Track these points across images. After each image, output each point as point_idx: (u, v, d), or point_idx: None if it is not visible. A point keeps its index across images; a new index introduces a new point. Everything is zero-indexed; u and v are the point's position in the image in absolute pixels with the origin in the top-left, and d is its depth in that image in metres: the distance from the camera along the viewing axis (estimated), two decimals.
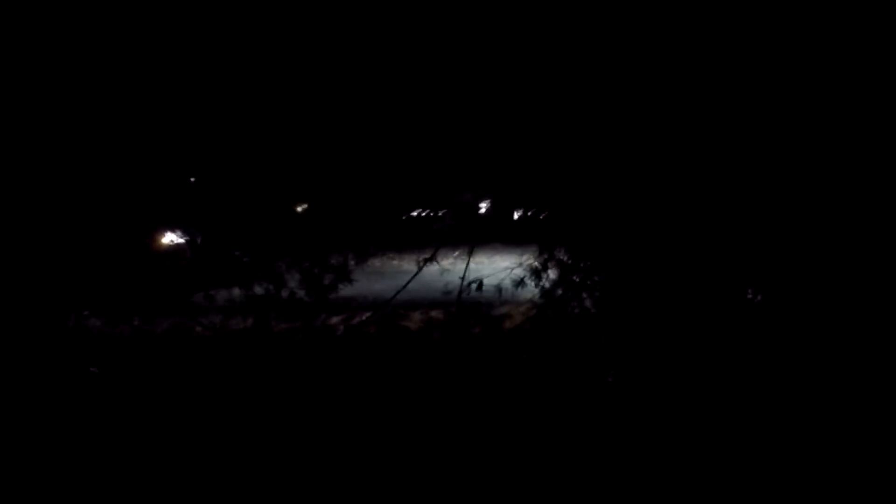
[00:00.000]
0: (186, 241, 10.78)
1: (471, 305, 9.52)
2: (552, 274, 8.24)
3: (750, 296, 6.95)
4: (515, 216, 9.68)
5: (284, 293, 7.13)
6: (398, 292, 7.26)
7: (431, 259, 7.39)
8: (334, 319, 8.40)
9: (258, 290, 7.29)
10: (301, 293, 7.13)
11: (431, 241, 8.40)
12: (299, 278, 7.17)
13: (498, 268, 8.46)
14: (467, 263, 7.56)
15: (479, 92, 6.68)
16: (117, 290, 7.69)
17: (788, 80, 5.47)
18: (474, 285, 7.98)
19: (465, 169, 8.16)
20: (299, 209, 9.80)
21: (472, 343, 8.29)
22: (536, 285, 8.10)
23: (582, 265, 8.16)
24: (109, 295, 7.66)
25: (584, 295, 8.11)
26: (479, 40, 6.07)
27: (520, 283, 8.27)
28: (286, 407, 6.26)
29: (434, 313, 9.05)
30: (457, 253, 8.67)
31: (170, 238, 11.03)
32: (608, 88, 6.21)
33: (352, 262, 7.30)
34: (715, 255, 6.65)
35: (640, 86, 5.96)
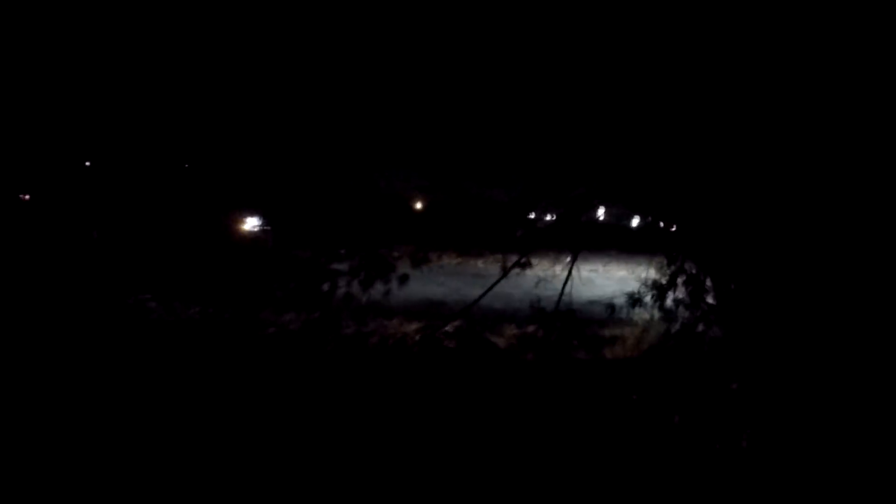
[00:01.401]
0: (268, 228, 10.03)
1: (575, 323, 8.27)
2: (676, 293, 6.98)
3: None
4: (634, 223, 8.36)
5: (354, 289, 6.07)
6: (479, 298, 5.96)
7: (526, 263, 6.12)
8: (411, 326, 7.20)
9: (325, 287, 6.27)
10: (376, 290, 6.09)
11: (535, 243, 7.30)
12: (373, 274, 6.12)
13: (613, 278, 7.16)
14: (569, 272, 6.22)
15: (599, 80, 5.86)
16: (198, 277, 7.12)
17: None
18: (583, 298, 6.72)
19: (576, 164, 7.14)
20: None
21: (573, 371, 6.87)
22: (658, 305, 6.74)
23: (713, 284, 6.68)
24: (193, 282, 7.11)
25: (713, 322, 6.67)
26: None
27: (637, 301, 6.87)
28: (349, 429, 5.11)
29: (530, 329, 7.66)
30: (567, 258, 7.42)
31: (252, 223, 10.34)
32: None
33: (440, 261, 6.15)
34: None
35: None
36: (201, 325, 6.97)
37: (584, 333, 8.30)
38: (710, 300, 7.07)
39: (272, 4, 6.00)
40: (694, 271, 7.33)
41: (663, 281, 7.43)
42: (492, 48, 6.26)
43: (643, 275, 6.80)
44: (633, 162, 6.83)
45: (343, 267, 6.32)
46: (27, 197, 7.26)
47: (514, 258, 7.00)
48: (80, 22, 5.92)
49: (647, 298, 7.14)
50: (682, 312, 7.19)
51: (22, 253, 6.61)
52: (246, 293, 7.27)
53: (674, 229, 7.74)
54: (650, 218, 7.59)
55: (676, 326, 7.47)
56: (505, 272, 6.04)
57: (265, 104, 6.92)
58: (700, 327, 7.11)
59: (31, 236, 6.84)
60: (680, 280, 7.23)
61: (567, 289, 6.46)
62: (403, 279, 5.27)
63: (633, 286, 6.95)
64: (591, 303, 8.64)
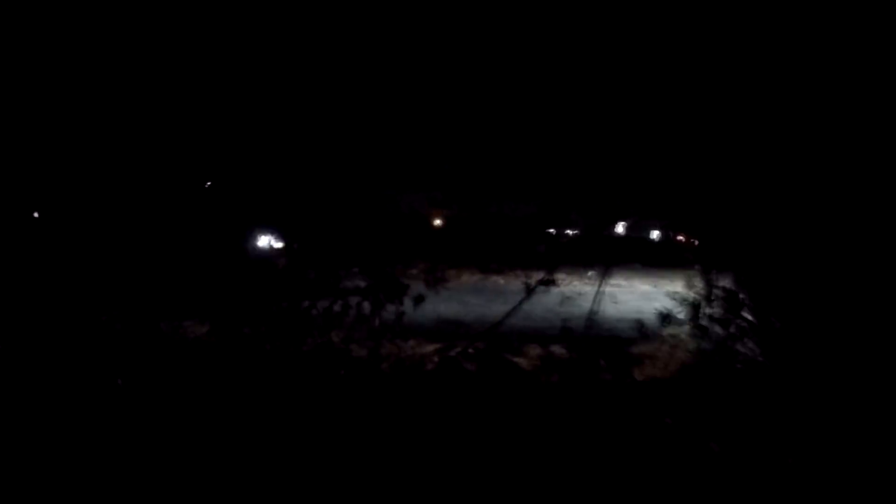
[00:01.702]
0: (283, 246, 9.74)
1: (602, 341, 7.91)
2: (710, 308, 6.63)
3: None
4: (654, 235, 8.09)
5: (367, 309, 5.79)
6: (503, 319, 5.62)
7: (550, 281, 5.81)
8: (428, 348, 6.84)
9: (337, 307, 6.00)
10: (390, 311, 5.81)
11: (558, 258, 6.97)
12: (393, 291, 5.85)
13: (636, 293, 6.81)
14: (597, 290, 5.90)
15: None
16: (212, 293, 6.80)
17: None
18: (608, 314, 6.40)
19: (600, 179, 7.13)
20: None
21: (601, 393, 6.46)
22: (692, 321, 6.39)
23: (750, 299, 6.35)
24: (203, 300, 6.79)
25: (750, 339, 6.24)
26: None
27: (668, 318, 6.49)
28: (360, 460, 4.75)
29: (555, 349, 7.26)
30: (590, 273, 7.10)
31: (266, 241, 10.05)
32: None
33: (459, 278, 5.85)
34: None
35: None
36: (209, 344, 6.65)
37: (611, 352, 7.91)
38: (745, 315, 6.68)
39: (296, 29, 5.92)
40: (728, 286, 6.94)
41: (694, 296, 7.04)
42: (508, 68, 6.12)
43: (667, 289, 6.59)
44: (660, 177, 6.56)
45: (358, 284, 6.04)
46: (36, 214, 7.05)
47: (535, 274, 6.70)
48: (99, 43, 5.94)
49: (680, 314, 6.75)
50: (714, 329, 6.80)
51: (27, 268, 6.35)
52: (257, 312, 6.95)
53: (702, 243, 7.38)
54: (673, 232, 7.26)
55: (710, 344, 7.08)
56: (529, 291, 5.73)
57: (284, 120, 6.78)
58: (736, 345, 6.71)
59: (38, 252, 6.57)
60: (717, 293, 6.86)
61: (595, 307, 6.14)
62: (418, 300, 4.95)
63: (658, 301, 6.64)
64: (619, 320, 8.24)
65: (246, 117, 6.61)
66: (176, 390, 5.79)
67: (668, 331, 7.68)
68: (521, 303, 5.91)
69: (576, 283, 10.00)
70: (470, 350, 6.73)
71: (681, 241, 7.31)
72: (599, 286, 6.50)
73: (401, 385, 5.96)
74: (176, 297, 6.59)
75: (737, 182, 6.16)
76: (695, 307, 6.61)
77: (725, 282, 7.13)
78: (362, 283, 5.54)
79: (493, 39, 5.82)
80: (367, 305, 5.40)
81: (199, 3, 5.64)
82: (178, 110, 6.45)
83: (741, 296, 5.97)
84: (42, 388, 5.40)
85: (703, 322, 6.60)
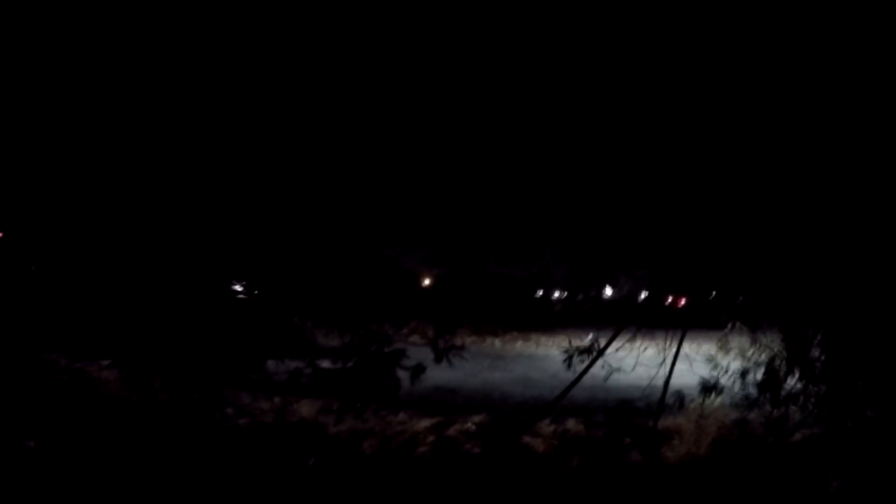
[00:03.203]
0: (255, 296, 8.67)
1: (620, 413, 6.81)
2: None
3: None
4: (642, 297, 7.36)
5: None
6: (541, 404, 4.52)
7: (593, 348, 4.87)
8: (421, 423, 5.64)
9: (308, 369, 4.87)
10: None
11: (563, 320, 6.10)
12: (375, 354, 4.73)
13: (642, 357, 5.83)
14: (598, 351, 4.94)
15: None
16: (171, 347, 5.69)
17: None
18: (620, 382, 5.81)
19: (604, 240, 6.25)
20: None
21: (630, 479, 5.30)
22: (742, 391, 5.41)
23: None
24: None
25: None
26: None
27: (713, 388, 5.44)
28: None
29: (570, 424, 6.09)
30: (589, 337, 6.21)
31: (239, 290, 9.01)
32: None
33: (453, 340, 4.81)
34: None
35: None
36: (162, 406, 5.47)
37: (634, 426, 6.79)
38: (793, 381, 5.64)
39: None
40: (774, 345, 5.95)
41: (737, 359, 6.04)
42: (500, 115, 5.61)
43: (676, 350, 5.76)
44: (669, 234, 5.78)
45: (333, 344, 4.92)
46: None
47: (536, 336, 5.66)
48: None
49: (726, 382, 5.68)
50: (763, 397, 5.77)
51: None
52: (217, 370, 5.76)
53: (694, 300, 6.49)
54: (661, 291, 6.43)
55: (755, 414, 6.05)
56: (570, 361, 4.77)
57: (262, 167, 6.13)
58: (788, 414, 5.69)
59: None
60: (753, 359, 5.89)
61: (603, 372, 5.16)
62: (417, 372, 3.85)
63: (667, 365, 5.73)
64: (630, 387, 7.14)
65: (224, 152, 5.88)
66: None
67: (696, 401, 6.59)
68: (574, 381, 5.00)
69: (572, 345, 9.04)
70: (471, 427, 5.56)
71: (669, 301, 6.50)
72: (600, 350, 5.53)
73: (388, 473, 4.75)
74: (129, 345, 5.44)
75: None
76: (742, 373, 5.54)
77: (770, 340, 6.12)
78: (343, 343, 4.42)
79: (479, 103, 5.37)
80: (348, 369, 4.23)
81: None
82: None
83: (805, 356, 4.92)
84: None
85: (750, 390, 5.53)
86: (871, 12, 4.10)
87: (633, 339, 5.81)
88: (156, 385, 5.24)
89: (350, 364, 4.54)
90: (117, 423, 4.73)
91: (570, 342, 5.01)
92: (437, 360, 3.89)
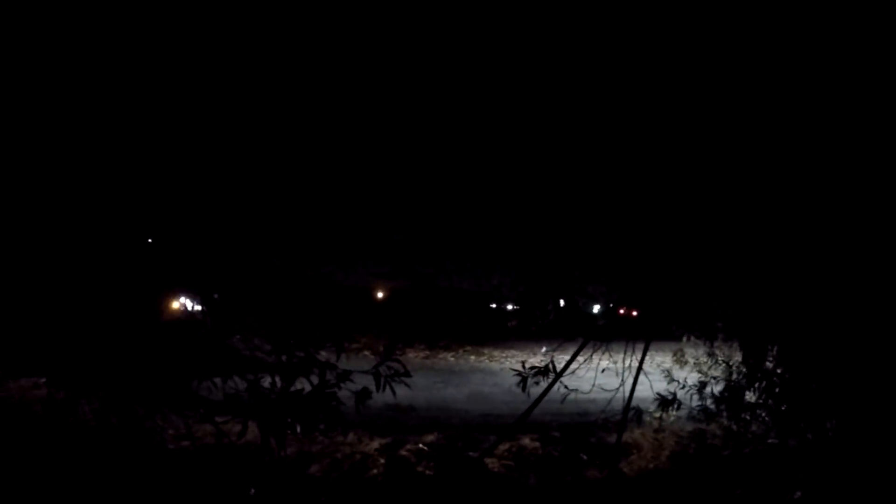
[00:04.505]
0: (204, 308, 8.22)
1: (576, 428, 6.71)
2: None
3: None
4: (595, 309, 7.28)
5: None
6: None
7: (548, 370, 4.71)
8: (372, 444, 5.39)
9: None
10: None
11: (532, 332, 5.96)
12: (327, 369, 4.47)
13: (596, 369, 5.70)
14: (556, 371, 4.81)
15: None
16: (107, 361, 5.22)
17: None
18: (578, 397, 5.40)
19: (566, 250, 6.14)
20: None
21: (589, 495, 5.15)
22: (700, 404, 5.35)
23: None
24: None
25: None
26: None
27: (671, 402, 5.34)
28: None
29: (526, 441, 5.92)
30: (543, 349, 5.99)
31: (182, 303, 8.52)
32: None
33: (405, 355, 4.54)
34: None
35: None
36: (96, 428, 5.04)
37: (590, 442, 6.67)
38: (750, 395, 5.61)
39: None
40: (733, 356, 5.93)
41: (682, 373, 6.04)
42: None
43: (628, 363, 5.57)
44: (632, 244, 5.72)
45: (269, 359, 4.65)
46: None
47: (489, 351, 5.47)
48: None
49: (683, 396, 5.59)
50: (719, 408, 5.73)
51: None
52: (156, 389, 5.37)
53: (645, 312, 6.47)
54: (615, 304, 6.37)
55: (713, 426, 6.01)
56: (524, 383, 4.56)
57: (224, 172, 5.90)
58: (747, 427, 5.66)
59: None
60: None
61: (560, 393, 5.00)
62: (361, 397, 3.60)
63: (617, 378, 5.59)
64: (589, 401, 6.99)
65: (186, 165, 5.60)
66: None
67: (654, 415, 6.50)
68: (534, 403, 4.81)
69: (531, 360, 8.91)
70: (423, 447, 5.33)
71: (622, 313, 6.44)
72: (558, 374, 5.35)
73: (338, 497, 4.48)
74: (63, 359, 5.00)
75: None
76: (700, 387, 5.47)
77: (726, 353, 6.10)
78: (276, 357, 4.14)
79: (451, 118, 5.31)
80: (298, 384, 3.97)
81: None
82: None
83: (763, 368, 4.87)
84: None
85: (708, 403, 5.47)
86: (871, 12, 4.07)
87: (590, 357, 5.64)
88: (82, 405, 4.85)
89: (292, 388, 4.26)
90: (48, 446, 4.36)
91: (523, 365, 4.81)
92: (379, 388, 3.62)
